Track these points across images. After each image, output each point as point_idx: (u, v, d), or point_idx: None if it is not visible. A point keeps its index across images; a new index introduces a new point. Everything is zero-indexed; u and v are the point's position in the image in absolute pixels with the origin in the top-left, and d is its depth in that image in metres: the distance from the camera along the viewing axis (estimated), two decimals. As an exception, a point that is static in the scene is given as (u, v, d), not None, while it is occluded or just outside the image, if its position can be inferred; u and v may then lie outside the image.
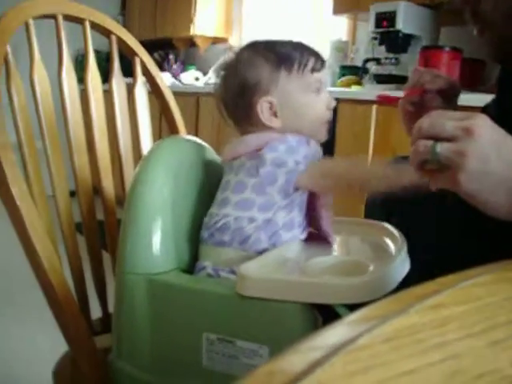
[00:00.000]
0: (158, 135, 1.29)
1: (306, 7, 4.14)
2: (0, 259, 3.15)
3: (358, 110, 2.67)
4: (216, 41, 4.88)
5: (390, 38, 2.84)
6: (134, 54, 1.29)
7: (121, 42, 1.26)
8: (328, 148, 2.67)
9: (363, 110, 2.63)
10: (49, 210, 1.04)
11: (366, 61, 3.02)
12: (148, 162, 0.96)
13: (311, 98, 0.95)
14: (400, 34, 2.79)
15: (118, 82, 1.24)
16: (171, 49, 5.22)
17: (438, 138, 0.70)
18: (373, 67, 2.96)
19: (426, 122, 0.72)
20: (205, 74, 4.52)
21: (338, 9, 3.35)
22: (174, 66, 4.91)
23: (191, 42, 4.96)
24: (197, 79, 4.44)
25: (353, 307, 0.76)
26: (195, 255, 0.97)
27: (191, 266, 0.96)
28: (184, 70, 4.85)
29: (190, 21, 4.66)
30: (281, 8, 4.36)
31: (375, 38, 2.99)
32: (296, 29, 4.20)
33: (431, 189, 0.74)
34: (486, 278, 0.40)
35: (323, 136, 0.98)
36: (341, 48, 3.61)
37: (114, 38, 1.24)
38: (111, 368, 0.92)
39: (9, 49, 1.01)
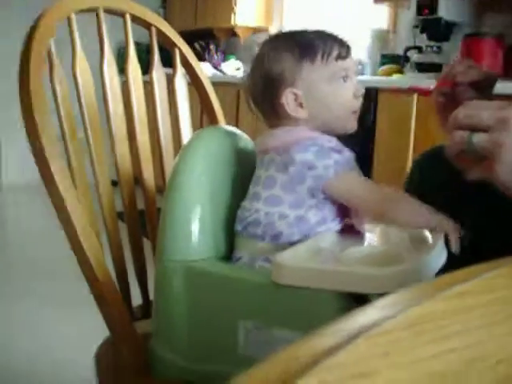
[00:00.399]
0: (198, 126, 1.30)
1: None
2: (46, 246, 3.23)
3: (399, 99, 2.64)
4: (257, 30, 4.88)
5: (432, 25, 2.80)
6: (174, 45, 1.31)
7: (160, 33, 1.28)
8: (368, 137, 2.67)
9: (404, 99, 2.61)
10: (91, 200, 1.06)
11: (407, 49, 2.99)
12: (187, 151, 0.97)
13: (337, 86, 0.94)
14: (442, 22, 2.75)
15: (158, 73, 1.27)
16: (212, 39, 5.24)
17: (474, 129, 0.70)
18: (414, 55, 2.92)
19: (461, 113, 0.71)
20: (246, 64, 4.52)
21: (379, -3, 3.32)
22: (215, 57, 4.93)
23: (232, 32, 4.97)
24: (238, 69, 4.46)
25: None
26: (232, 245, 0.98)
27: (228, 255, 0.97)
28: (225, 59, 4.87)
29: (231, 11, 4.68)
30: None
31: (417, 26, 2.95)
32: (337, 17, 4.18)
33: (468, 179, 0.74)
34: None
35: (353, 126, 0.97)
36: (381, 36, 3.57)
37: (153, 29, 1.26)
38: (151, 354, 0.95)
39: (52, 42, 1.04)
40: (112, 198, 1.11)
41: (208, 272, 0.90)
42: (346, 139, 0.97)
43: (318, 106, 0.94)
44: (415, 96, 2.56)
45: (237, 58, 4.75)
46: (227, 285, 0.89)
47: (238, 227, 0.95)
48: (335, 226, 0.95)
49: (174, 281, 0.92)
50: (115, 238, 1.10)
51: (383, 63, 3.29)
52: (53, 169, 0.96)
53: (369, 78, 2.97)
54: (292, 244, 0.89)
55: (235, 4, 4.64)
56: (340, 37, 0.97)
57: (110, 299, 0.97)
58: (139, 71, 1.22)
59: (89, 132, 1.09)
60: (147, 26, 1.25)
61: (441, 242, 0.87)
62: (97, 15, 1.13)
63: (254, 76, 0.98)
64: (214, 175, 0.97)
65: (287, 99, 0.93)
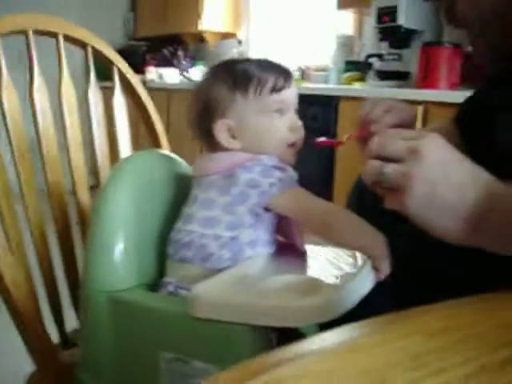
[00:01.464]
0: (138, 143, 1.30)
1: (313, 1, 4.11)
2: None
3: (359, 107, 2.64)
4: (225, 36, 4.87)
5: (392, 33, 2.81)
6: (111, 63, 1.29)
7: (97, 52, 1.26)
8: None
9: (364, 108, 2.61)
10: (18, 223, 1.04)
11: (369, 56, 2.99)
12: (113, 177, 0.96)
13: (271, 119, 0.93)
14: (402, 29, 2.76)
15: (94, 92, 1.24)
16: (181, 44, 5.21)
17: (386, 159, 0.69)
18: (375, 63, 2.93)
19: (375, 143, 0.70)
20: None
21: (343, 3, 3.32)
22: (183, 62, 4.91)
23: (200, 38, 4.95)
24: (205, 75, 4.44)
25: (322, 325, 0.76)
26: (163, 270, 0.97)
27: (158, 282, 0.96)
28: (193, 65, 4.85)
29: (198, 16, 4.66)
30: (288, 2, 4.33)
31: (380, 33, 2.96)
32: (303, 23, 4.18)
33: (386, 208, 0.73)
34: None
35: (290, 160, 0.95)
36: (346, 43, 3.57)
37: (89, 49, 1.23)
38: (77, 382, 0.93)
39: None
40: (41, 214, 1.09)
41: (129, 302, 0.89)
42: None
43: (250, 138, 0.93)
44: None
45: (205, 64, 4.73)
46: (148, 315, 0.87)
47: (170, 250, 0.94)
48: (268, 249, 0.94)
49: (98, 310, 0.90)
50: (46, 259, 1.08)
51: (347, 70, 3.29)
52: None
53: (329, 86, 2.96)
54: (220, 269, 0.88)
55: (202, 9, 4.62)
56: (280, 68, 0.95)
57: (31, 329, 0.95)
58: (73, 92, 1.19)
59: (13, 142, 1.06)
60: (82, 45, 1.23)
61: (367, 267, 0.86)
62: (26, 38, 1.11)
63: (193, 104, 0.97)
64: (143, 201, 0.96)
65: (220, 130, 0.92)
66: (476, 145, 1.01)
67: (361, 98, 2.64)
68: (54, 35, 1.17)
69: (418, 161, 0.66)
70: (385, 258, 0.83)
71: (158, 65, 4.95)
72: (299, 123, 0.96)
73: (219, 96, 0.93)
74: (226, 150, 0.93)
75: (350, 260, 0.94)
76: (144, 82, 4.42)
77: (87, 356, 0.94)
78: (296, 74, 3.90)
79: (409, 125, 0.95)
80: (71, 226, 1.14)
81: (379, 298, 0.98)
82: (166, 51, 5.24)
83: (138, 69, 4.91)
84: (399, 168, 0.67)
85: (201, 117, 0.95)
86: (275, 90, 0.92)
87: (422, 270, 0.99)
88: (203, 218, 0.91)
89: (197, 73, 4.48)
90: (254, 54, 4.70)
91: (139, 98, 1.33)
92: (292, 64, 4.10)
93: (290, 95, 0.94)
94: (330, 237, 0.90)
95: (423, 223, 0.68)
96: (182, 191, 1.00)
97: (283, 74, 0.94)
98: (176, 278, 0.92)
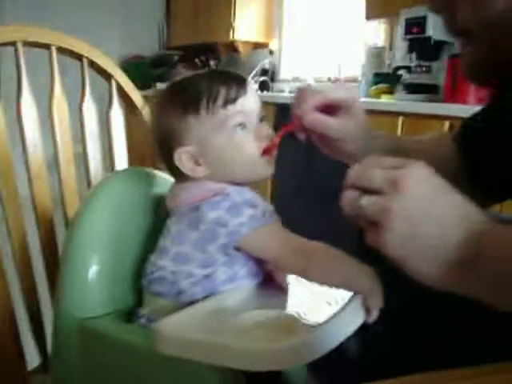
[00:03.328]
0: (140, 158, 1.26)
1: (345, 11, 4.05)
2: None
3: (384, 121, 2.57)
4: (257, 46, 4.84)
5: (421, 44, 2.72)
6: (110, 76, 1.25)
7: (95, 65, 1.22)
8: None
9: (389, 121, 2.53)
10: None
11: (397, 68, 2.91)
12: (90, 199, 0.92)
13: (233, 135, 0.84)
14: (431, 41, 2.67)
15: (89, 107, 1.21)
16: (213, 54, 5.20)
17: (365, 190, 0.62)
18: (404, 75, 2.84)
19: (353, 172, 0.64)
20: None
21: (370, 14, 3.26)
22: (215, 72, 4.89)
23: (233, 47, 4.93)
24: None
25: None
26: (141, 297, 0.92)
27: (136, 308, 0.91)
28: (225, 75, 4.82)
29: (230, 25, 4.63)
30: (321, 11, 4.28)
31: (408, 45, 2.88)
32: (335, 33, 4.12)
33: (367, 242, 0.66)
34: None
35: (266, 171, 0.88)
36: (377, 54, 3.49)
37: (85, 61, 1.20)
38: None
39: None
40: (22, 228, 1.05)
41: (99, 331, 0.85)
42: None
43: (217, 160, 0.85)
44: (400, 119, 2.49)
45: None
46: (116, 347, 0.83)
47: (144, 281, 0.89)
48: (248, 282, 0.88)
49: (69, 337, 0.87)
50: (26, 274, 1.05)
51: (376, 82, 3.22)
52: None
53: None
54: (193, 302, 0.83)
55: (234, 19, 4.60)
56: (231, 75, 0.85)
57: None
58: (66, 108, 1.15)
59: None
60: (78, 57, 1.20)
61: (355, 303, 0.79)
62: (15, 50, 1.07)
63: (151, 136, 0.90)
64: (121, 223, 0.92)
65: (181, 160, 0.85)
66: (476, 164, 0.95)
67: (387, 112, 2.56)
68: (47, 47, 1.13)
69: (397, 194, 0.58)
70: (373, 293, 0.76)
71: (191, 74, 4.94)
72: (266, 131, 0.86)
73: (172, 124, 0.85)
74: (195, 178, 0.86)
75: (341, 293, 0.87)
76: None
77: (56, 382, 0.90)
78: (327, 85, 3.84)
79: (346, 105, 0.88)
80: (58, 241, 1.10)
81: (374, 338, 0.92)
82: (197, 60, 5.23)
83: (170, 78, 4.92)
84: (377, 201, 0.60)
85: (160, 148, 0.88)
86: (229, 101, 0.82)
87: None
88: (175, 254, 0.85)
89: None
90: (286, 64, 4.65)
91: (140, 113, 1.29)
92: (323, 75, 4.05)
93: (249, 103, 0.85)
94: (309, 278, 0.82)
95: (402, 264, 0.60)
96: (163, 212, 0.94)
97: (235, 82, 0.84)
98: (150, 309, 0.87)
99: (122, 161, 1.25)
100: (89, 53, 1.20)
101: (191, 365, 0.71)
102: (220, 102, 0.82)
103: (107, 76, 1.25)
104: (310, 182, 3.07)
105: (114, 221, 0.91)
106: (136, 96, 1.29)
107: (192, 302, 0.83)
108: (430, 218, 0.58)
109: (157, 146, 0.88)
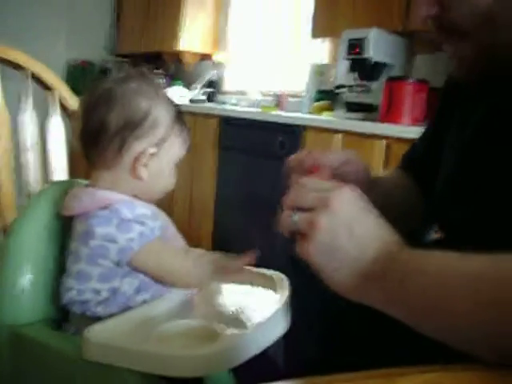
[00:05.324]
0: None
1: (292, 28, 4.13)
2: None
3: (324, 137, 2.65)
4: (204, 57, 4.88)
5: (361, 65, 2.82)
6: (52, 88, 1.28)
7: (38, 76, 1.25)
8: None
9: (328, 138, 2.61)
10: None
11: (338, 87, 2.99)
12: (25, 211, 0.95)
13: (178, 155, 0.96)
14: (370, 62, 2.76)
15: (30, 116, 1.23)
16: (160, 63, 5.22)
17: (299, 209, 0.69)
18: (344, 94, 2.93)
19: (291, 193, 0.71)
20: (190, 89, 4.51)
21: (316, 32, 3.33)
22: (161, 81, 4.90)
23: (179, 58, 4.96)
24: (182, 96, 4.43)
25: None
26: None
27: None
28: (171, 85, 4.84)
29: (176, 36, 4.66)
30: (268, 26, 4.35)
31: (350, 64, 2.97)
32: (281, 48, 4.19)
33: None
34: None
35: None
36: (321, 71, 3.58)
37: (29, 72, 1.22)
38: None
39: None
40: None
41: (29, 338, 0.88)
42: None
43: (158, 170, 0.93)
44: (340, 136, 2.56)
45: (183, 84, 4.73)
46: (46, 353, 0.86)
47: (62, 301, 0.90)
48: (161, 288, 0.91)
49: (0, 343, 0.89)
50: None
51: (319, 99, 3.30)
52: None
53: (295, 115, 2.97)
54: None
55: (180, 29, 4.63)
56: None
57: None
58: (6, 117, 1.18)
59: None
60: (20, 69, 1.22)
61: (280, 311, 0.85)
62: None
63: (101, 116, 0.89)
64: (55, 234, 0.95)
65: (140, 156, 0.90)
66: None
67: (326, 129, 2.64)
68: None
69: (325, 211, 0.66)
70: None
71: (137, 82, 4.94)
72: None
73: (143, 114, 0.90)
74: (124, 177, 0.91)
75: (270, 300, 0.92)
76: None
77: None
78: (270, 100, 3.91)
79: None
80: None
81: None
82: (144, 69, 5.23)
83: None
84: (307, 217, 0.67)
85: (117, 133, 0.89)
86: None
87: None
88: (76, 272, 0.87)
89: (174, 92, 4.46)
90: (231, 76, 4.71)
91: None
92: (267, 89, 4.12)
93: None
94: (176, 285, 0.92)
95: (323, 274, 0.67)
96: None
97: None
98: (74, 325, 0.90)
99: (61, 171, 1.27)
100: (31, 65, 1.23)
101: (118, 371, 0.75)
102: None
103: (49, 88, 1.28)
104: (250, 196, 3.13)
105: (48, 232, 0.93)
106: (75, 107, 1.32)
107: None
108: (349, 234, 0.65)
109: (112, 132, 0.88)
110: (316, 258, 0.66)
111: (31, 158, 1.22)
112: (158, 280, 0.90)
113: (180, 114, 0.95)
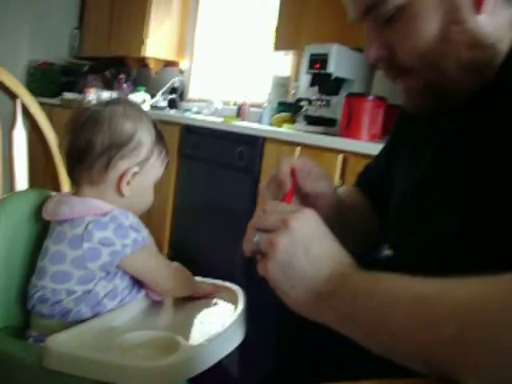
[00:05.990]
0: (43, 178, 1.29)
1: (256, 39, 4.17)
2: None
3: (283, 149, 2.69)
4: (168, 64, 4.89)
5: (322, 79, 2.87)
6: (15, 96, 1.28)
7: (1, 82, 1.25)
8: (254, 183, 2.63)
9: (287, 150, 2.66)
10: None
11: (299, 100, 3.05)
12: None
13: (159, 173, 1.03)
14: (331, 77, 2.82)
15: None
16: (124, 68, 5.21)
17: (262, 230, 0.73)
18: (305, 107, 2.98)
19: (255, 215, 0.75)
20: (153, 96, 4.51)
21: (278, 45, 3.38)
22: (125, 86, 4.89)
23: (144, 63, 4.96)
24: (144, 101, 4.43)
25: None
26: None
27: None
28: (134, 90, 4.83)
29: (142, 42, 4.67)
30: (233, 36, 4.39)
31: (311, 79, 3.02)
32: (244, 59, 4.24)
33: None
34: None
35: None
36: (282, 83, 3.63)
37: (-8, 80, 1.23)
38: None
39: None
40: None
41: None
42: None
43: (139, 188, 1.00)
44: (298, 148, 2.61)
45: (147, 90, 4.72)
46: (5, 362, 0.87)
47: (28, 304, 0.93)
48: (133, 295, 0.97)
49: None
50: None
51: (280, 111, 3.34)
52: None
53: (255, 126, 3.01)
54: (82, 321, 0.88)
55: (146, 35, 4.63)
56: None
57: None
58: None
59: None
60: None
61: (236, 323, 0.88)
62: None
63: (91, 134, 0.95)
64: (16, 242, 0.96)
65: (125, 173, 0.96)
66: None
67: (285, 141, 2.69)
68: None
69: (284, 232, 0.70)
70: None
71: (99, 86, 4.93)
72: None
73: (145, 140, 0.98)
74: (107, 193, 0.96)
75: (228, 312, 0.95)
76: (82, 104, 4.38)
77: None
78: (233, 109, 3.95)
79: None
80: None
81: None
82: (107, 73, 5.22)
83: (80, 88, 4.88)
84: (267, 237, 0.71)
85: (105, 151, 0.94)
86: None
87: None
88: (54, 273, 0.91)
89: (137, 98, 4.45)
90: (195, 84, 4.73)
91: (42, 133, 1.32)
92: (229, 99, 4.15)
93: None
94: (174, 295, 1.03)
95: (279, 290, 0.72)
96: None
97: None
98: (38, 331, 0.92)
99: (22, 180, 1.28)
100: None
101: (78, 381, 0.77)
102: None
103: (12, 95, 1.28)
104: (209, 205, 3.15)
105: (9, 238, 0.95)
106: (41, 116, 1.33)
107: (80, 322, 0.89)
108: (306, 255, 0.70)
109: (100, 150, 0.94)
110: (274, 275, 0.70)
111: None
112: (140, 281, 0.97)
113: (161, 136, 1.02)
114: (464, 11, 0.75)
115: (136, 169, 0.96)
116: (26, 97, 1.30)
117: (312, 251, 0.70)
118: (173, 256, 3.33)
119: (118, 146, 0.94)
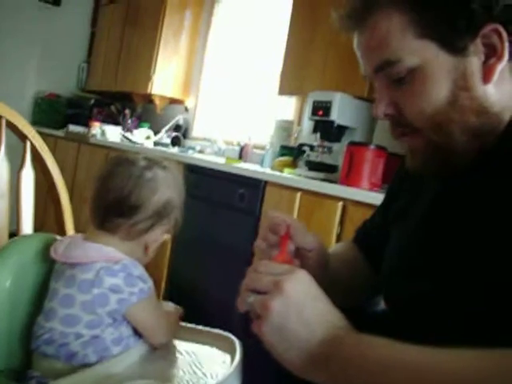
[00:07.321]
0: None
1: (261, 82, 4.24)
2: None
3: (284, 194, 2.72)
4: (173, 101, 4.95)
5: (325, 126, 2.91)
6: (25, 137, 1.31)
7: (11, 125, 1.28)
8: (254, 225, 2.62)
9: (288, 195, 2.68)
10: None
11: (302, 145, 3.08)
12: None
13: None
14: (334, 125, 2.86)
15: (1, 166, 1.26)
16: (129, 103, 5.27)
17: (256, 291, 0.74)
18: (307, 153, 3.02)
19: (248, 275, 0.76)
20: (156, 133, 4.55)
21: (283, 89, 3.43)
22: (129, 121, 4.94)
23: (149, 100, 5.02)
24: (147, 138, 4.47)
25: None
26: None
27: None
28: (139, 126, 4.88)
29: (149, 78, 4.73)
30: (238, 78, 4.45)
31: (314, 125, 3.06)
32: (249, 101, 4.29)
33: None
34: None
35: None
36: (285, 127, 3.68)
37: (3, 121, 1.26)
38: None
39: None
40: None
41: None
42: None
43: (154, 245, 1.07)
44: (299, 194, 2.64)
45: (151, 126, 4.78)
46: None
47: (33, 345, 0.95)
48: (134, 341, 0.99)
49: None
50: None
51: (282, 154, 3.38)
52: None
53: (257, 169, 3.04)
54: (87, 365, 0.90)
55: (153, 72, 4.70)
56: None
57: None
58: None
59: None
60: (-4, 119, 1.26)
61: (233, 374, 0.89)
62: None
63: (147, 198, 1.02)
64: (21, 285, 0.98)
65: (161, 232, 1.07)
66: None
67: (286, 186, 2.71)
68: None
69: (277, 295, 0.72)
70: None
71: (104, 120, 4.98)
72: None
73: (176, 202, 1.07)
74: (131, 244, 1.01)
75: (222, 361, 0.97)
76: (86, 137, 4.42)
77: None
78: (236, 149, 3.99)
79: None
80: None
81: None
82: (112, 107, 5.28)
83: (85, 121, 4.93)
84: (261, 299, 0.73)
85: (157, 211, 1.02)
86: None
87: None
88: (64, 316, 0.93)
89: (141, 134, 4.50)
90: (199, 123, 4.78)
91: (50, 176, 1.35)
92: (233, 138, 4.20)
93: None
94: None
95: (274, 351, 0.73)
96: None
97: None
98: (41, 372, 0.93)
99: (28, 220, 1.30)
100: (6, 113, 1.26)
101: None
102: None
103: (23, 137, 1.31)
104: (207, 244, 3.17)
105: (15, 281, 0.97)
106: (49, 158, 1.36)
107: (85, 365, 0.90)
108: (299, 318, 0.72)
109: (155, 210, 1.02)
110: (268, 337, 0.72)
111: (1, 206, 1.24)
112: (139, 332, 1.00)
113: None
114: (473, 79, 0.79)
115: (167, 236, 1.04)
116: (37, 140, 1.33)
117: (305, 314, 0.72)
118: (169, 295, 3.33)
119: (165, 215, 1.03)
